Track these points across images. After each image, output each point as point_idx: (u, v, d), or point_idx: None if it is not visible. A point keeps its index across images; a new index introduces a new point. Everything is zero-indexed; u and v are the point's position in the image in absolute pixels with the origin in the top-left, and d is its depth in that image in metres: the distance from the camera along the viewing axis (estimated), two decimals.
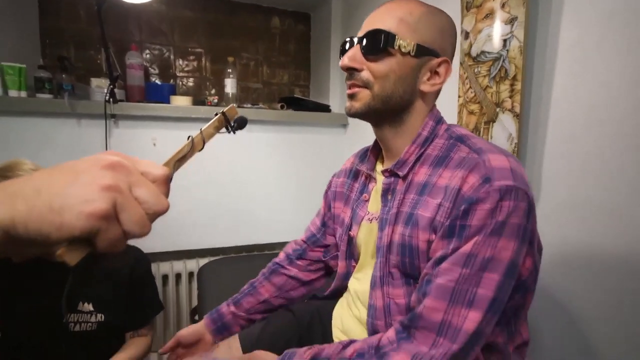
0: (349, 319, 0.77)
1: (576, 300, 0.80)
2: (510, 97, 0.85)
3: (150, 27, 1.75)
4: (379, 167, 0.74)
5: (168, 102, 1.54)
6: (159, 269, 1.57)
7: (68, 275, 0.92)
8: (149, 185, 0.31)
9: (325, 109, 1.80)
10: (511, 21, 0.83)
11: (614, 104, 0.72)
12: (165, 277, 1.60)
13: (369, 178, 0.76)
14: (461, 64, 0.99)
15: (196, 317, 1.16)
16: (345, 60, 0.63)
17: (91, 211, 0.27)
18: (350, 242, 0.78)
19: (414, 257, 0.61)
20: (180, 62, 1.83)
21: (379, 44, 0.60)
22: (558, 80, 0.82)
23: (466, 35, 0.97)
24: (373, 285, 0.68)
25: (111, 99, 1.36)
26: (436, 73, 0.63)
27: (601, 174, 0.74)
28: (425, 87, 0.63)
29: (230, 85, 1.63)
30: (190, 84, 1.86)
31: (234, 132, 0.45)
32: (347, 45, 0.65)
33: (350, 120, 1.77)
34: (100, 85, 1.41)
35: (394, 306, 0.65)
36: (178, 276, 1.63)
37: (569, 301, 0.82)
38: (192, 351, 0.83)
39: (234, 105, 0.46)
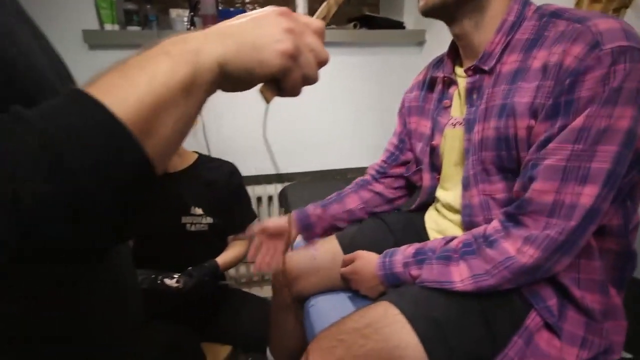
0: (443, 221, 0.72)
1: None
2: None
3: None
4: (459, 71, 0.67)
5: None
6: (254, 191, 1.61)
7: (179, 187, 1.02)
8: (314, 35, 0.33)
9: (399, 25, 1.57)
10: None
11: None
12: (259, 199, 1.65)
13: (449, 82, 0.68)
14: None
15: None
16: None
17: (283, 49, 0.30)
18: (433, 152, 0.72)
19: (512, 148, 0.54)
20: None
21: None
22: None
23: None
24: (466, 186, 0.62)
25: (191, 26, 1.31)
26: None
27: None
28: None
29: (301, 5, 1.47)
30: (260, 7, 1.71)
31: None
32: None
33: (428, 37, 1.53)
34: (179, 15, 1.35)
35: (492, 202, 0.59)
36: (259, 199, 1.66)
37: None
38: (274, 242, 0.85)
39: None
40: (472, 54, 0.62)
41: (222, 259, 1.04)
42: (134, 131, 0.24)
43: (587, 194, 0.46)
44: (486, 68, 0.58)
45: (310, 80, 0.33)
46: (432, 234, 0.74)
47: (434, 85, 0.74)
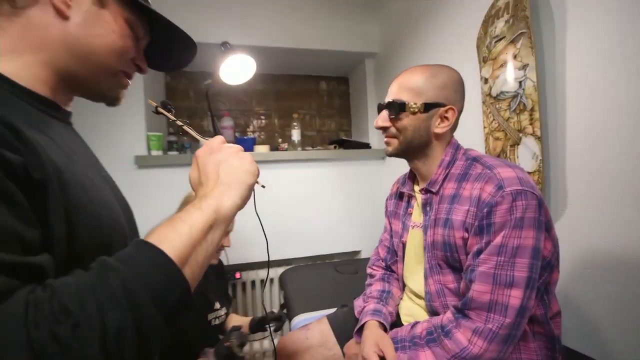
0: (413, 306, 0.79)
1: (597, 295, 0.76)
2: (531, 123, 0.86)
3: (235, 99, 1.96)
4: (417, 188, 0.79)
5: (252, 150, 1.68)
6: (249, 276, 1.65)
7: (203, 286, 1.00)
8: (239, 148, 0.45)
9: (367, 146, 1.86)
10: (523, 67, 0.86)
11: (620, 124, 0.71)
12: (252, 283, 1.68)
13: (411, 197, 0.81)
14: (483, 102, 1.02)
15: (284, 311, 1.21)
16: (379, 122, 0.72)
17: (253, 171, 0.42)
18: (404, 247, 0.81)
19: (454, 251, 0.65)
20: (256, 121, 2.01)
21: (397, 110, 0.69)
22: (570, 108, 0.82)
23: (485, 80, 1.01)
24: (426, 276, 0.71)
25: None
26: (445, 118, 0.69)
27: (615, 181, 0.73)
28: (437, 129, 0.69)
29: (295, 134, 1.76)
30: (263, 137, 2.02)
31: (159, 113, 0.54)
32: (378, 109, 0.74)
33: None
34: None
35: (446, 290, 0.68)
36: (262, 282, 1.69)
37: (592, 299, 0.77)
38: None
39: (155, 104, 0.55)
40: (423, 180, 0.75)
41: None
42: (179, 261, 0.30)
43: (515, 296, 0.55)
44: (434, 190, 0.70)
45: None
46: (405, 317, 0.80)
47: (402, 196, 0.85)
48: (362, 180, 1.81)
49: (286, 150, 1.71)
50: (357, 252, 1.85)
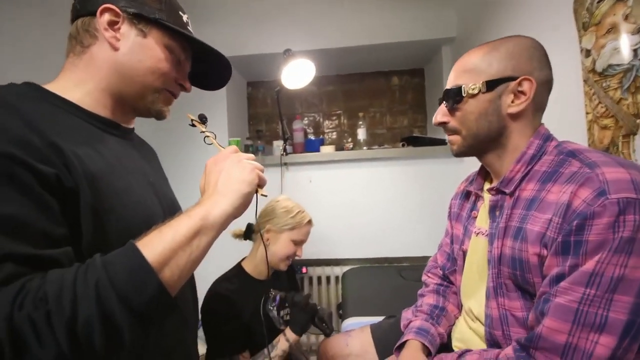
0: (467, 331, 0.67)
1: None
2: None
3: (307, 102, 2.06)
4: (487, 186, 0.67)
5: (319, 151, 1.74)
6: (315, 271, 1.72)
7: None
8: (245, 156, 0.48)
9: (442, 142, 1.68)
10: (639, 30, 0.63)
11: None
12: (319, 279, 1.74)
13: (478, 197, 0.68)
14: (585, 81, 0.79)
15: (340, 311, 1.21)
16: (437, 117, 0.63)
17: (250, 180, 0.44)
18: (464, 256, 0.70)
19: (525, 270, 0.52)
20: (327, 122, 2.06)
21: (452, 99, 0.59)
22: None
23: (587, 53, 0.78)
24: (488, 296, 0.59)
25: (284, 153, 1.65)
26: (520, 93, 0.55)
27: None
28: (512, 109, 0.56)
29: (361, 133, 1.73)
30: (334, 136, 2.06)
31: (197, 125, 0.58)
32: (438, 104, 0.65)
33: None
34: (278, 145, 1.72)
35: (511, 318, 0.55)
36: (327, 279, 1.74)
37: None
38: None
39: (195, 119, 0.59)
40: (497, 177, 0.62)
41: None
42: (158, 266, 0.33)
43: (604, 344, 0.41)
44: (506, 191, 0.57)
45: (260, 169, 0.46)
46: (455, 342, 0.70)
47: (469, 196, 0.74)
48: (436, 180, 1.65)
49: (351, 149, 1.71)
50: (427, 258, 1.69)
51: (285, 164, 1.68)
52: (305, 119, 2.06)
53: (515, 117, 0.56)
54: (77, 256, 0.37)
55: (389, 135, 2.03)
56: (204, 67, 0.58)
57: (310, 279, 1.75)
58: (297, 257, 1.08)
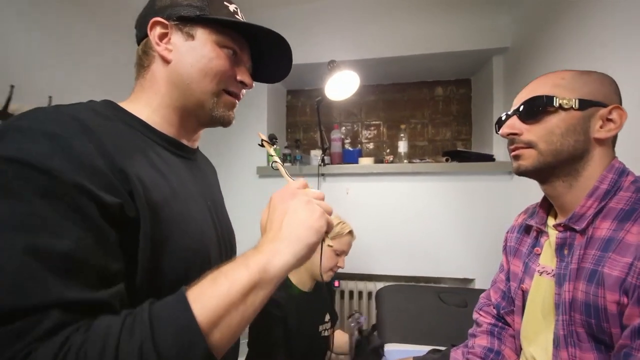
0: None
1: None
2: None
3: (346, 111, 2.05)
4: (551, 221, 0.61)
5: (357, 162, 1.70)
6: (347, 285, 1.69)
7: (316, 301, 1.06)
8: (314, 196, 0.43)
9: (489, 158, 1.57)
10: None
11: None
12: (350, 293, 1.70)
13: (541, 232, 0.62)
14: None
15: (375, 333, 1.16)
16: (505, 129, 0.57)
17: (317, 228, 0.39)
18: (523, 296, 0.63)
19: (602, 319, 0.47)
20: (365, 132, 2.03)
21: (537, 108, 0.55)
22: None
23: None
24: (557, 345, 0.52)
25: (322, 163, 1.64)
26: (609, 120, 0.53)
27: None
28: (600, 134, 0.53)
29: (402, 146, 1.68)
30: (372, 147, 2.02)
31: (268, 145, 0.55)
32: (503, 118, 0.60)
33: None
34: (316, 154, 1.72)
35: None
36: (360, 294, 1.69)
37: None
38: None
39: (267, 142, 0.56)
40: (563, 211, 0.57)
41: None
42: (207, 327, 0.30)
43: None
44: (577, 228, 0.52)
45: (329, 212, 0.42)
46: None
47: (529, 230, 0.68)
48: (483, 198, 1.55)
49: (391, 162, 1.66)
50: (469, 281, 1.59)
51: (323, 174, 1.67)
52: (343, 127, 2.04)
53: (600, 142, 0.53)
54: (130, 287, 0.35)
55: (429, 147, 1.95)
56: (264, 59, 0.53)
57: (342, 292, 1.72)
58: (339, 269, 1.07)
